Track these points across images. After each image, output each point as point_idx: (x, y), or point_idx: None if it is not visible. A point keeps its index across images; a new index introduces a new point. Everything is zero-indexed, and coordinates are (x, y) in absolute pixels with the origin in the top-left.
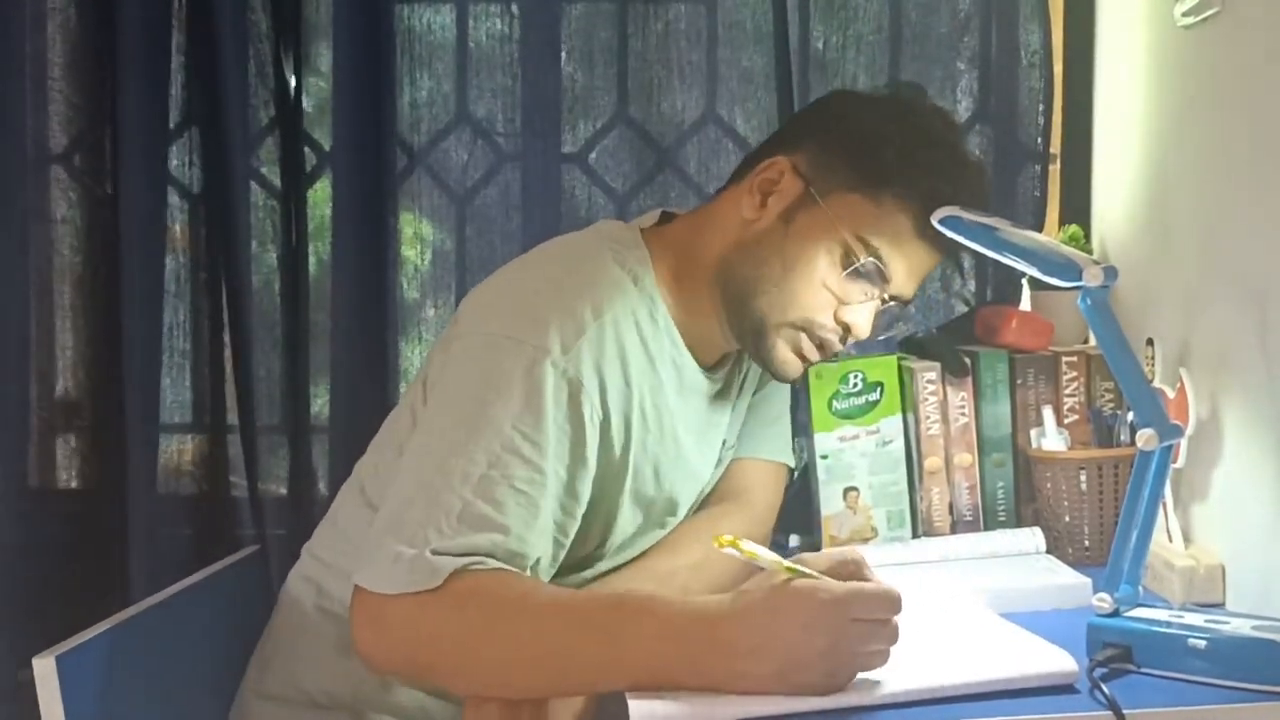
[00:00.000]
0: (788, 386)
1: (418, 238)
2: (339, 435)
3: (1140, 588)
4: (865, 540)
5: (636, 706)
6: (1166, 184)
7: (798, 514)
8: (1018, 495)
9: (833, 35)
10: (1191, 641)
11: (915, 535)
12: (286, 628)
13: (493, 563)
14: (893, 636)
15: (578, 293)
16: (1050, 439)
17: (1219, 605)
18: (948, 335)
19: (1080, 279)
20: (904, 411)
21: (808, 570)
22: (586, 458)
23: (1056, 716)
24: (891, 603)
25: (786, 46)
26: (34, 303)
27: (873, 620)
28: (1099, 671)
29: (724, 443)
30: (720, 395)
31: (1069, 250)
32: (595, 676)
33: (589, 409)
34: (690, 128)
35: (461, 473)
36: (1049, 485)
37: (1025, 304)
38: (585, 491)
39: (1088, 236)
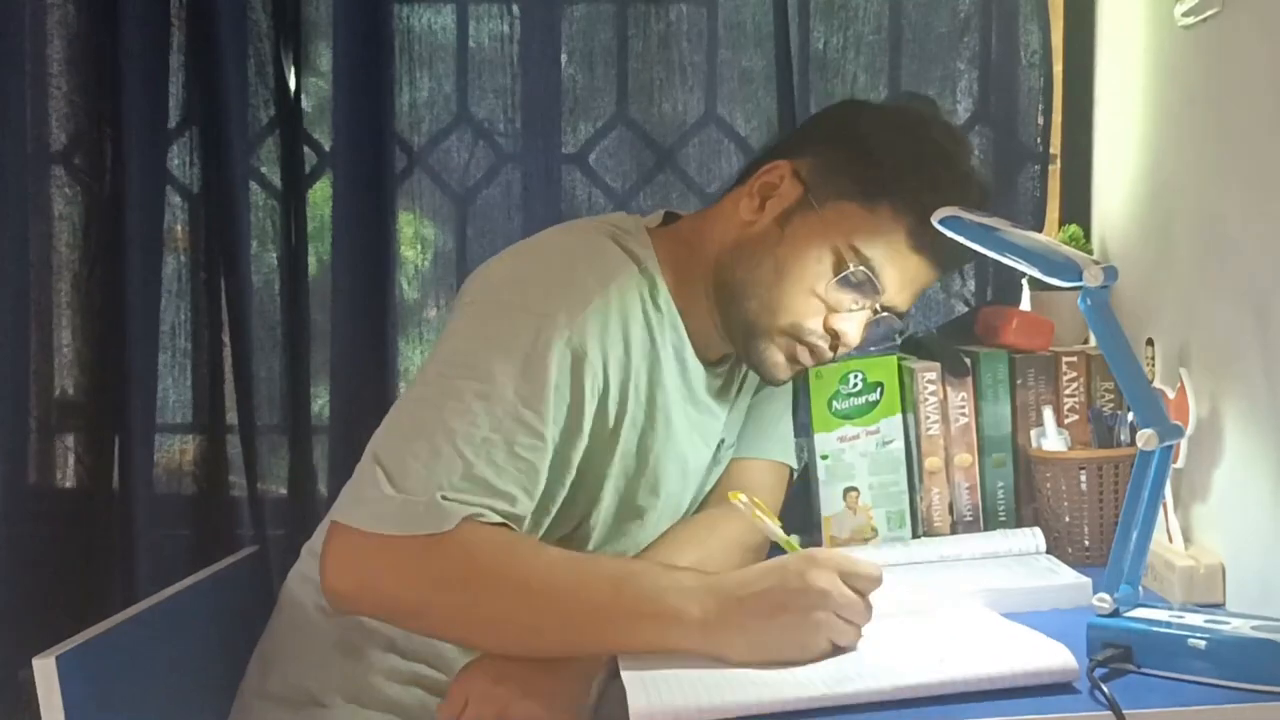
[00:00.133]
0: (789, 387)
1: (418, 238)
2: (339, 435)
3: (1140, 588)
4: (865, 540)
5: (635, 706)
6: (1166, 184)
7: (798, 514)
8: (1018, 495)
9: (833, 35)
10: (1191, 641)
11: (915, 535)
12: (287, 628)
13: (495, 516)
14: (866, 612)
15: (584, 265)
16: (1050, 439)
17: (1219, 605)
18: (948, 335)
19: (1080, 279)
20: (904, 411)
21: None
22: (582, 428)
23: (1056, 716)
24: (870, 579)
25: (787, 47)
26: (34, 302)
27: (848, 599)
28: (1099, 671)
29: (722, 442)
30: (720, 392)
31: (1069, 250)
32: (590, 633)
33: (591, 379)
34: (690, 128)
35: (464, 433)
36: (1049, 485)
37: (1025, 304)
38: (576, 461)
39: (1088, 236)
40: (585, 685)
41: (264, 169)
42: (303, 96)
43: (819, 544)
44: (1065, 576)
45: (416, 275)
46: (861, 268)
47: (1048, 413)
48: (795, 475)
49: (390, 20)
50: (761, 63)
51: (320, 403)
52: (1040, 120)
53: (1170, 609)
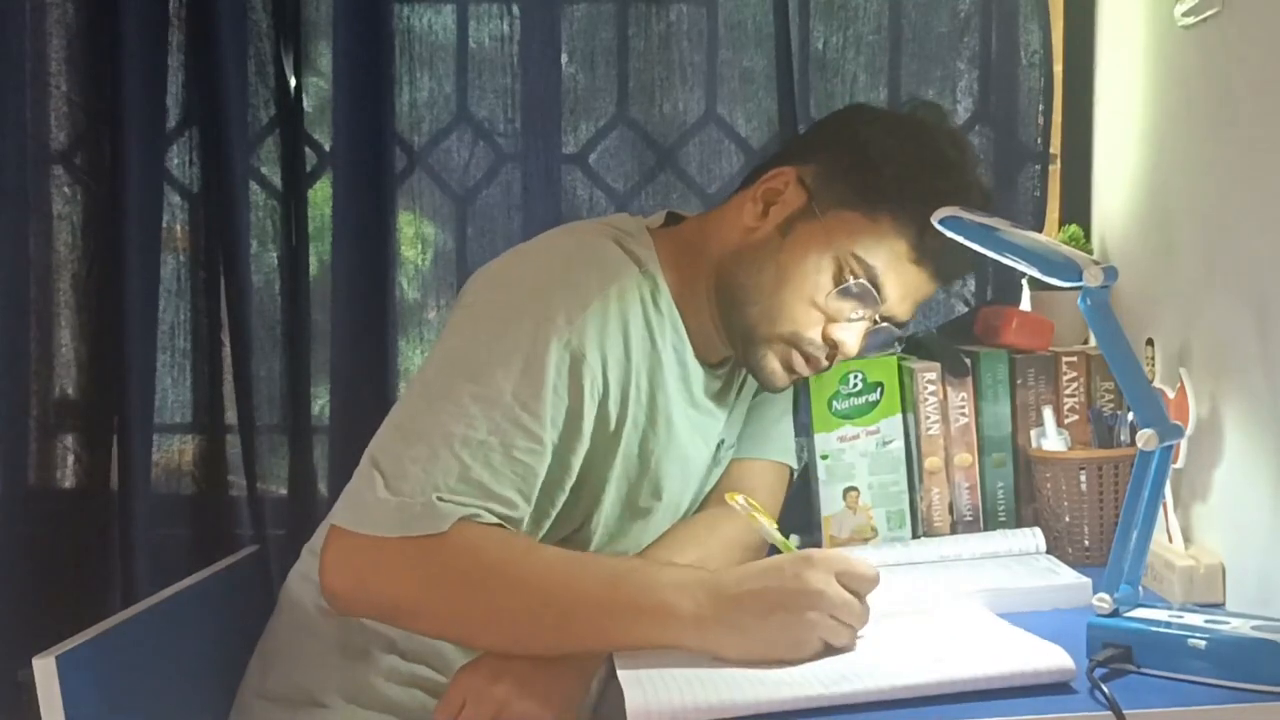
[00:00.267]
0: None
1: (418, 238)
2: (339, 435)
3: (1140, 588)
4: (865, 540)
5: (632, 704)
6: (1166, 184)
7: (798, 514)
8: (1018, 495)
9: (833, 35)
10: (1191, 641)
11: (915, 535)
12: (287, 628)
13: (492, 517)
14: (862, 614)
15: (584, 267)
16: (1050, 439)
17: (1219, 605)
18: (948, 335)
19: (1080, 279)
20: (904, 411)
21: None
22: (582, 431)
23: (1056, 717)
24: (866, 580)
25: (787, 47)
26: (33, 302)
27: (842, 599)
28: (1099, 671)
29: (722, 443)
30: (720, 393)
31: (1069, 250)
32: (586, 630)
33: (590, 381)
34: (691, 128)
35: (462, 436)
36: (1049, 485)
37: (1025, 304)
38: (576, 464)
39: (1088, 236)
40: (583, 684)
41: (264, 169)
42: (303, 96)
43: (819, 544)
44: (1065, 576)
45: (416, 275)
46: (862, 278)
47: (1048, 413)
48: (795, 475)
49: (390, 20)
50: (761, 63)
51: (320, 403)
52: (1040, 120)
53: (1170, 609)
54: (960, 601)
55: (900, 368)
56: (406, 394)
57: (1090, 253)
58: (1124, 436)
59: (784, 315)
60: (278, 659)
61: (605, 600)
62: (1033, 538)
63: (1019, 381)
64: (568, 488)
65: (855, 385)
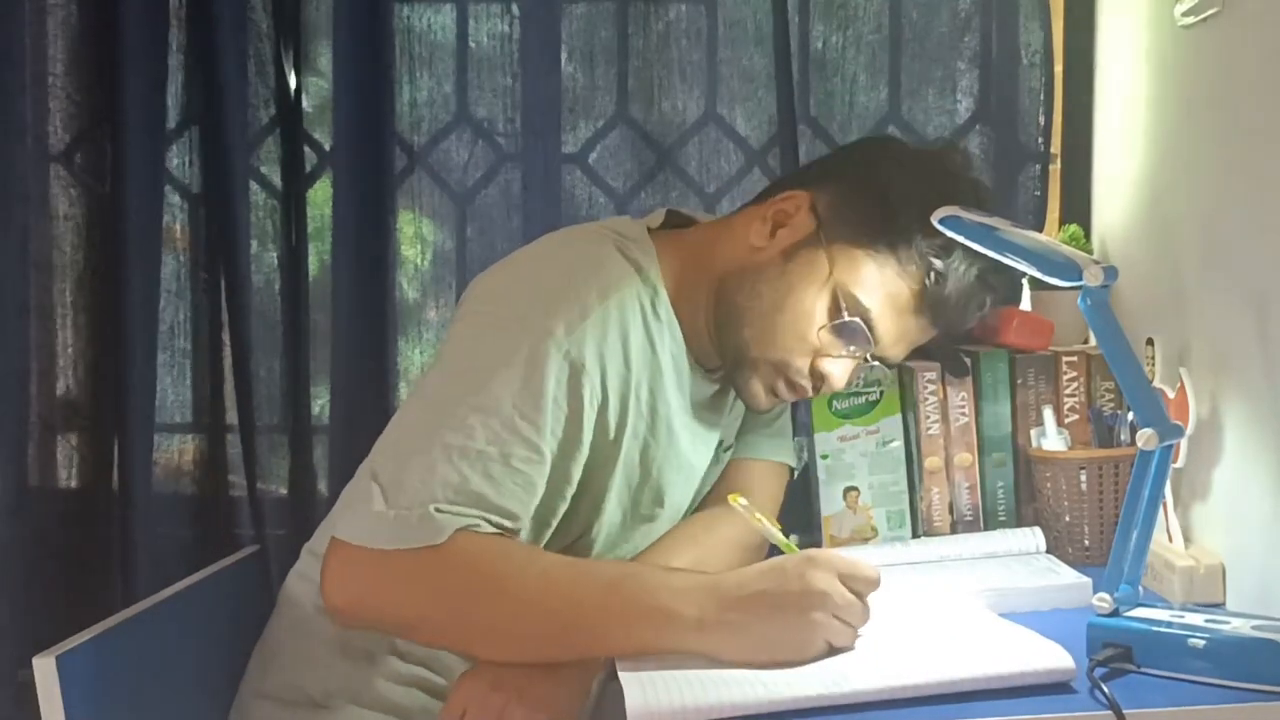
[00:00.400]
0: None
1: (418, 238)
2: (339, 435)
3: (1140, 588)
4: (865, 540)
5: (632, 705)
6: (1166, 184)
7: (798, 514)
8: (1018, 495)
9: (833, 35)
10: (1191, 641)
11: (915, 535)
12: (286, 628)
13: (490, 528)
14: (864, 615)
15: (584, 276)
16: (1050, 439)
17: (1219, 605)
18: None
19: (1080, 279)
20: (904, 411)
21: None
22: (581, 440)
23: (1056, 716)
24: (868, 581)
25: (787, 46)
26: (34, 302)
27: (847, 600)
28: (1099, 671)
29: (720, 443)
30: (718, 396)
31: (1069, 250)
32: (587, 637)
33: (589, 391)
34: (691, 127)
35: (460, 447)
36: (1049, 485)
37: (1025, 304)
38: (576, 474)
39: (1088, 236)
40: (583, 688)
41: (264, 169)
42: (303, 96)
43: (819, 544)
44: (1065, 576)
45: (416, 275)
46: (856, 318)
47: (1048, 413)
48: (795, 475)
49: (390, 20)
50: (761, 62)
51: (320, 403)
52: (1040, 120)
53: (1170, 609)
54: (960, 601)
55: (900, 367)
56: (406, 405)
57: (1090, 253)
58: (1124, 436)
59: (775, 342)
60: (278, 659)
61: (605, 608)
62: (1033, 537)
63: (1019, 381)
64: (568, 496)
65: (855, 385)
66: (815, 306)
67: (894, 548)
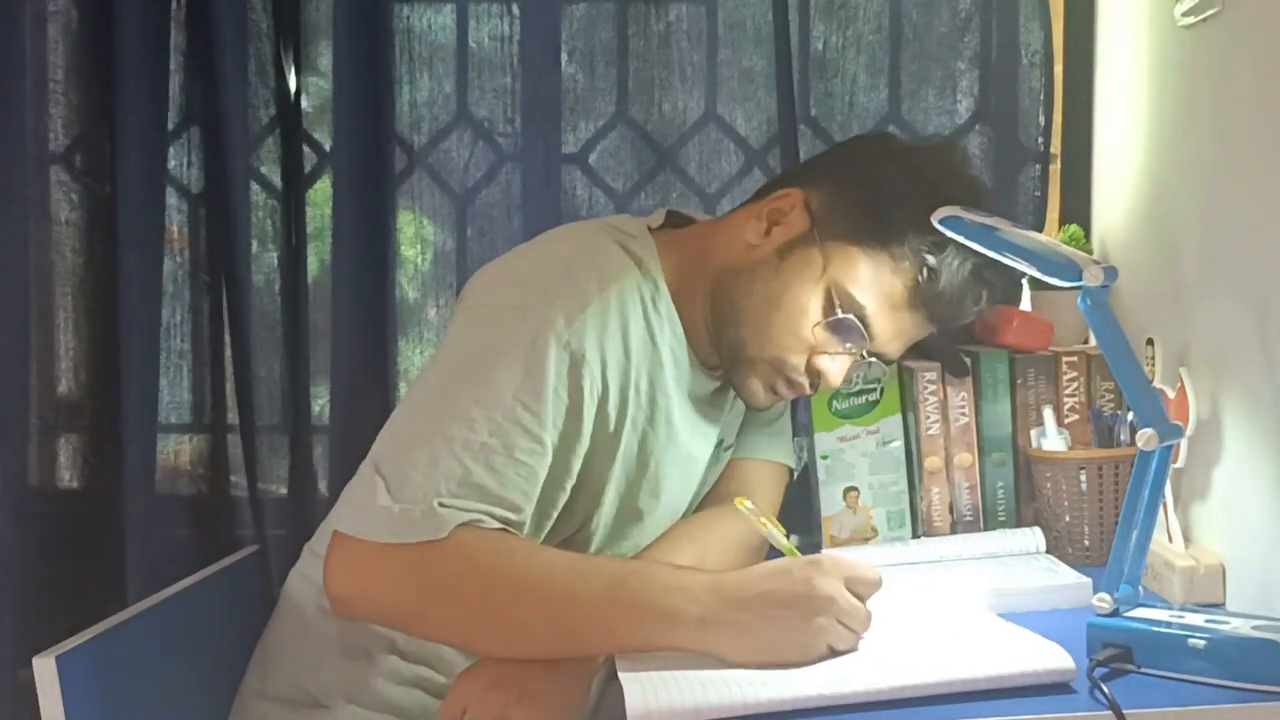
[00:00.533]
0: None
1: (418, 238)
2: (339, 435)
3: (1140, 588)
4: (865, 540)
5: (632, 706)
6: (1166, 184)
7: (798, 514)
8: (1018, 495)
9: (833, 35)
10: (1191, 641)
11: (915, 535)
12: (286, 628)
13: (493, 522)
14: (867, 620)
15: (585, 269)
16: (1050, 439)
17: (1219, 605)
18: (948, 335)
19: (1080, 279)
20: (904, 411)
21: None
22: (581, 432)
23: (1056, 716)
24: (870, 583)
25: (787, 47)
26: (34, 302)
27: (851, 605)
28: (1099, 671)
29: (720, 443)
30: (718, 394)
31: (1069, 250)
32: (589, 634)
33: (589, 382)
34: (691, 128)
35: (463, 439)
36: (1049, 485)
37: (1025, 304)
38: (576, 465)
39: (1088, 236)
40: (583, 687)
41: (264, 169)
42: (303, 96)
43: (819, 544)
44: (1065, 576)
45: (416, 275)
46: (851, 315)
47: (1048, 413)
48: (795, 475)
49: (390, 20)
50: (761, 62)
51: (320, 403)
52: (1040, 120)
53: (1170, 609)
54: (960, 601)
55: (900, 368)
56: (407, 398)
57: (1090, 253)
58: (1124, 436)
59: (772, 340)
60: (278, 659)
61: (607, 605)
62: (1033, 538)
63: (1019, 381)
64: (568, 488)
65: (854, 382)
66: (810, 303)
67: (894, 548)
